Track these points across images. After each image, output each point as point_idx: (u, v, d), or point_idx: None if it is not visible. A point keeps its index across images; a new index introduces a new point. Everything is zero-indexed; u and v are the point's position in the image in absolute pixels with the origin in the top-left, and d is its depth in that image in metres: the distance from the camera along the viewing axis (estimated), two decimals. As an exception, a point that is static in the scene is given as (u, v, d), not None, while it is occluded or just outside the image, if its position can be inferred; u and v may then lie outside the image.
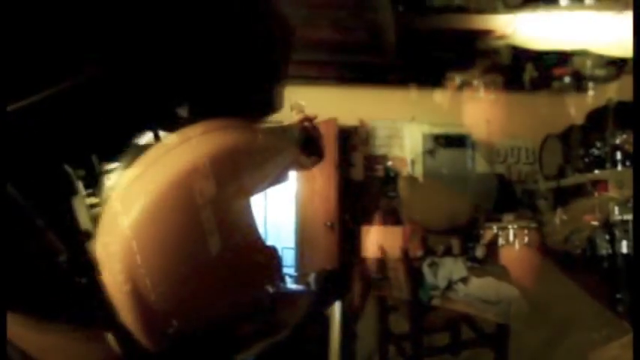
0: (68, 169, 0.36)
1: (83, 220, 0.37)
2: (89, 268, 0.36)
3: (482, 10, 3.79)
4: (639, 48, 1.15)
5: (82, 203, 0.37)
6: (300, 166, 1.17)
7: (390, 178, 5.21)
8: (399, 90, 5.46)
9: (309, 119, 1.17)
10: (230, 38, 0.55)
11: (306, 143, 1.12)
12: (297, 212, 5.20)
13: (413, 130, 5.51)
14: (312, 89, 5.14)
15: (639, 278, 1.32)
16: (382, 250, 3.52)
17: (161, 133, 0.49)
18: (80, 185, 0.37)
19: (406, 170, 5.35)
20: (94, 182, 0.38)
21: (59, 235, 0.35)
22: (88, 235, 0.37)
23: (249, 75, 0.62)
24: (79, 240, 0.36)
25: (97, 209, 0.38)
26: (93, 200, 0.38)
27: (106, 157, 0.42)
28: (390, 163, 5.39)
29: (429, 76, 5.19)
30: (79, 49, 0.42)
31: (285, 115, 1.19)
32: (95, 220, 0.38)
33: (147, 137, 0.48)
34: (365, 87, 5.44)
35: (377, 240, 3.72)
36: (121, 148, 0.45)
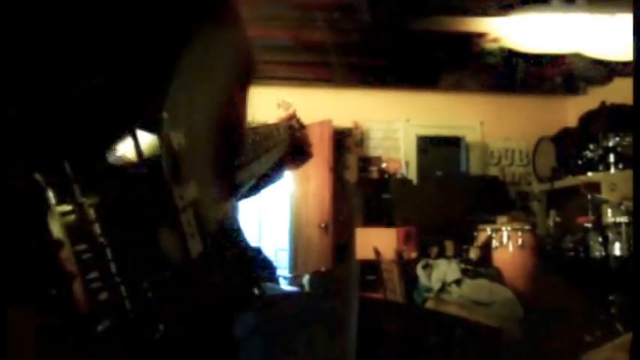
0: (37, 176, 0.34)
1: (55, 230, 0.35)
2: (60, 279, 0.35)
3: (475, 12, 3.79)
4: (639, 48, 1.14)
5: (52, 212, 0.35)
6: (289, 165, 1.16)
7: (385, 180, 5.20)
8: (394, 92, 5.47)
9: (295, 116, 1.16)
10: (203, 39, 0.55)
11: (293, 141, 1.11)
12: (291, 214, 5.19)
13: (407, 131, 5.52)
14: (306, 91, 5.15)
15: (639, 279, 1.32)
16: (376, 251, 3.52)
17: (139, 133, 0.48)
18: (50, 193, 0.36)
19: (400, 172, 5.34)
20: (65, 189, 0.36)
21: (28, 244, 0.34)
22: (60, 245, 0.35)
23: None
24: (49, 250, 0.35)
25: (69, 217, 0.36)
26: (65, 208, 0.36)
27: (81, 160, 0.40)
28: (384, 164, 5.38)
29: (424, 78, 5.20)
30: (76, 53, 0.41)
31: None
32: (67, 228, 0.36)
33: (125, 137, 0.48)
34: (359, 89, 5.44)
35: (371, 242, 3.72)
36: (99, 149, 0.43)
